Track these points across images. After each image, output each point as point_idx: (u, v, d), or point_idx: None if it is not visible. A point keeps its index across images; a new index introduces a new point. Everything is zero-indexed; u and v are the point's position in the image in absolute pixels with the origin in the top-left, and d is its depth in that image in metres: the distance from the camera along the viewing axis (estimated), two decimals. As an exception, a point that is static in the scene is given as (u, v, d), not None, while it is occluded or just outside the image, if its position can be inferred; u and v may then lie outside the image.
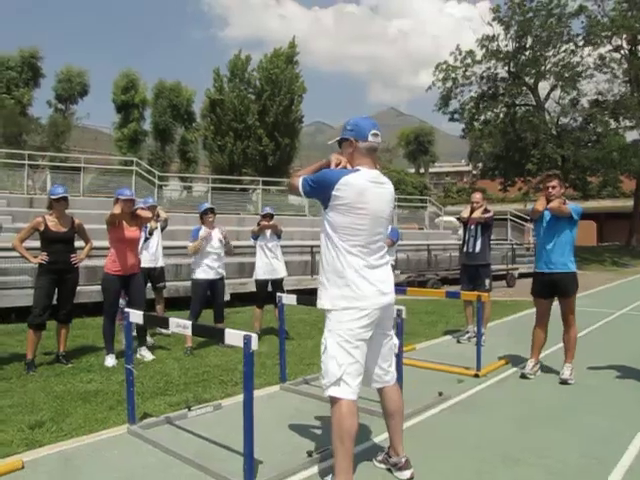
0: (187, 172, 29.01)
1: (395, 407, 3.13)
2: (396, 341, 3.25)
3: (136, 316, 3.76)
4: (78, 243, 5.99)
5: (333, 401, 2.85)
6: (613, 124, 27.67)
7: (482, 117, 29.79)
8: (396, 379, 3.20)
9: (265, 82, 25.92)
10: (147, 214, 6.15)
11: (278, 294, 5.14)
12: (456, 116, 29.85)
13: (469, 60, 28.61)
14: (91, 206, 13.24)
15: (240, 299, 10.19)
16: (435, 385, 4.89)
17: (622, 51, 28.33)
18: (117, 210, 5.63)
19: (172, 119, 30.55)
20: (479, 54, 28.58)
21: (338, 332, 2.85)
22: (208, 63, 31.06)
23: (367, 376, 3.04)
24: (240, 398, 4.53)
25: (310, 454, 3.32)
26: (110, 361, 5.70)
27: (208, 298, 6.83)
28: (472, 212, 7.12)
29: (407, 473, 3.10)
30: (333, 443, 2.83)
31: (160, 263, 7.43)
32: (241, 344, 2.84)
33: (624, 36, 27.37)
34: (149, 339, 6.50)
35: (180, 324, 3.32)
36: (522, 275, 16.91)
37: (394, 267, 9.90)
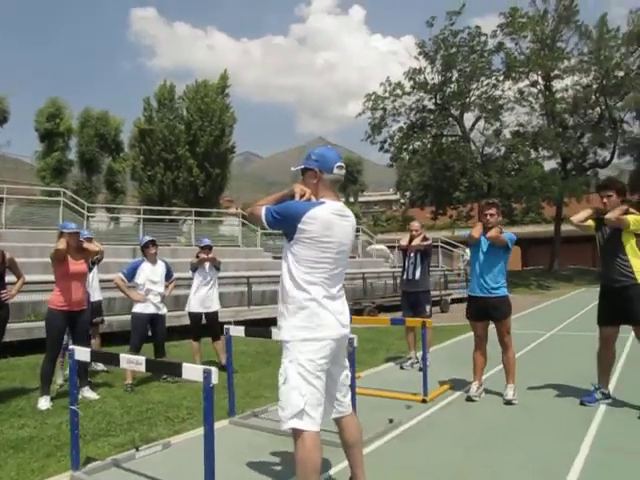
0: (114, 203, 28.23)
1: (354, 438, 3.09)
2: (348, 372, 3.23)
3: (82, 353, 3.58)
4: (9, 278, 5.69)
5: (296, 434, 2.75)
6: (533, 154, 29.30)
7: (411, 147, 30.65)
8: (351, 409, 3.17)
9: (195, 112, 25.77)
10: (94, 247, 6.00)
11: (225, 326, 5.03)
12: (386, 146, 30.55)
13: (398, 91, 29.50)
14: (15, 238, 12.64)
15: (177, 332, 9.89)
16: (385, 412, 4.88)
17: (538, 86, 30.30)
18: (62, 245, 5.37)
19: (99, 149, 29.72)
20: (407, 85, 29.58)
21: (300, 362, 2.78)
22: (136, 93, 30.62)
23: (324, 408, 2.99)
24: (190, 435, 4.42)
25: (269, 490, 3.24)
26: (44, 403, 5.35)
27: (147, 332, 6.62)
28: (411, 240, 7.27)
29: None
30: (297, 478, 2.75)
31: (97, 297, 7.15)
32: (200, 379, 2.75)
33: (539, 72, 29.23)
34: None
35: (132, 360, 3.19)
36: (455, 300, 17.37)
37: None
